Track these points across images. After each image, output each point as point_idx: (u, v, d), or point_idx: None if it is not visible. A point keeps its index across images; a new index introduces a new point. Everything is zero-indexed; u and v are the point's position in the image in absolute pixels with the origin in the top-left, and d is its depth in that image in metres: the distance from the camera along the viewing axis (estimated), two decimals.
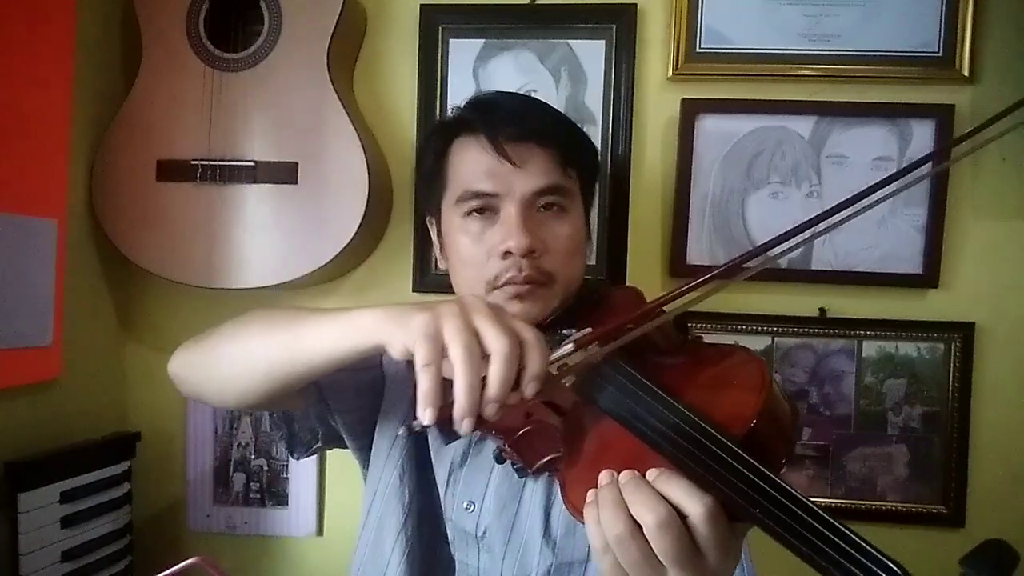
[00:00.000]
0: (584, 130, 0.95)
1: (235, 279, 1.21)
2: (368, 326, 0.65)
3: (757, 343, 1.27)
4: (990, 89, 1.23)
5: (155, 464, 1.36)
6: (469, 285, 0.85)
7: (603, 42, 1.27)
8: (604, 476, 0.58)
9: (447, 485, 0.86)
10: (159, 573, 0.63)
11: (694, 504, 0.53)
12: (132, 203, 1.23)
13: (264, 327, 0.77)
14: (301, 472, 1.35)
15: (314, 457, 1.32)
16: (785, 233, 0.64)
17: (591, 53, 1.28)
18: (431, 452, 0.89)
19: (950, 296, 1.25)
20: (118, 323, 1.38)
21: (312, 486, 1.36)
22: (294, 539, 1.37)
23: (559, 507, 0.81)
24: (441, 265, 0.94)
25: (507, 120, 0.83)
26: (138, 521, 1.29)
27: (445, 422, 0.57)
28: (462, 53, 1.30)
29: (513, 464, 0.75)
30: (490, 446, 0.79)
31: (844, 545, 0.48)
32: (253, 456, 1.36)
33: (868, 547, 0.48)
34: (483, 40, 1.30)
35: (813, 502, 0.51)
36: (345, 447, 0.96)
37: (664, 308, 0.67)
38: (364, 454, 0.95)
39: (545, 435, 0.71)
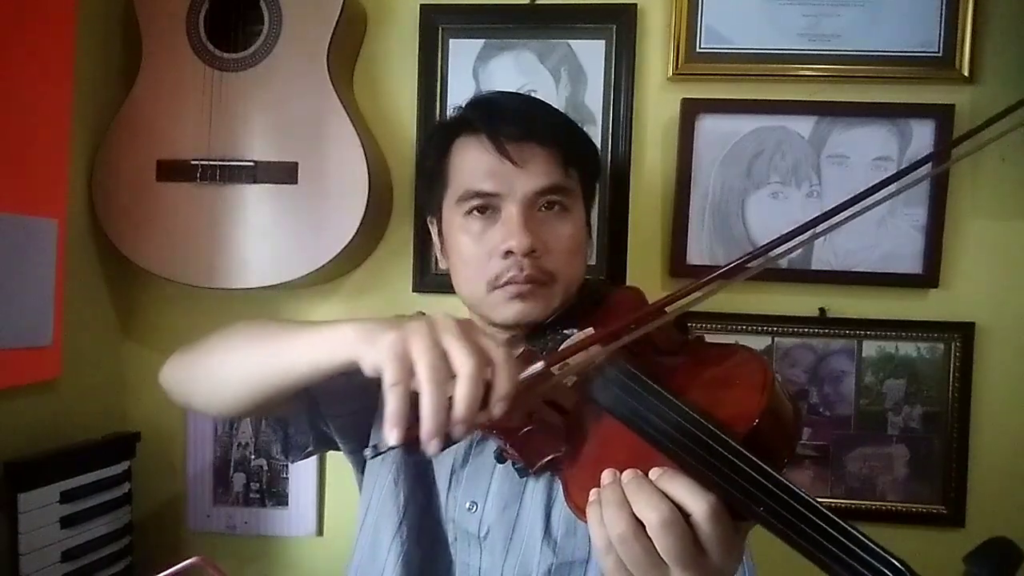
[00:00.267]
0: (584, 130, 0.95)
1: (235, 279, 1.21)
2: (340, 343, 0.66)
3: (757, 343, 1.27)
4: (990, 89, 1.23)
5: (155, 464, 1.36)
6: (470, 285, 0.85)
7: (603, 42, 1.27)
8: (607, 475, 0.58)
9: (449, 485, 0.86)
10: (159, 573, 0.63)
11: (697, 502, 0.53)
12: (132, 203, 1.23)
13: (246, 340, 0.78)
14: (301, 472, 1.35)
15: (314, 457, 1.32)
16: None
17: (591, 53, 1.28)
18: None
19: (950, 296, 1.25)
20: (118, 323, 1.37)
21: (312, 486, 1.36)
22: (294, 539, 1.37)
23: (560, 507, 0.81)
24: (442, 265, 0.94)
25: (508, 120, 0.83)
26: (138, 521, 1.29)
27: (413, 442, 0.57)
28: (462, 53, 1.30)
29: (514, 464, 0.75)
30: (491, 446, 0.79)
31: (847, 542, 0.48)
32: (253, 456, 1.36)
33: (871, 544, 0.48)
34: (483, 40, 1.30)
35: (816, 499, 0.51)
36: (339, 450, 0.96)
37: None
38: (358, 457, 0.95)
39: (547, 435, 0.71)
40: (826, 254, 1.25)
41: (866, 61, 1.23)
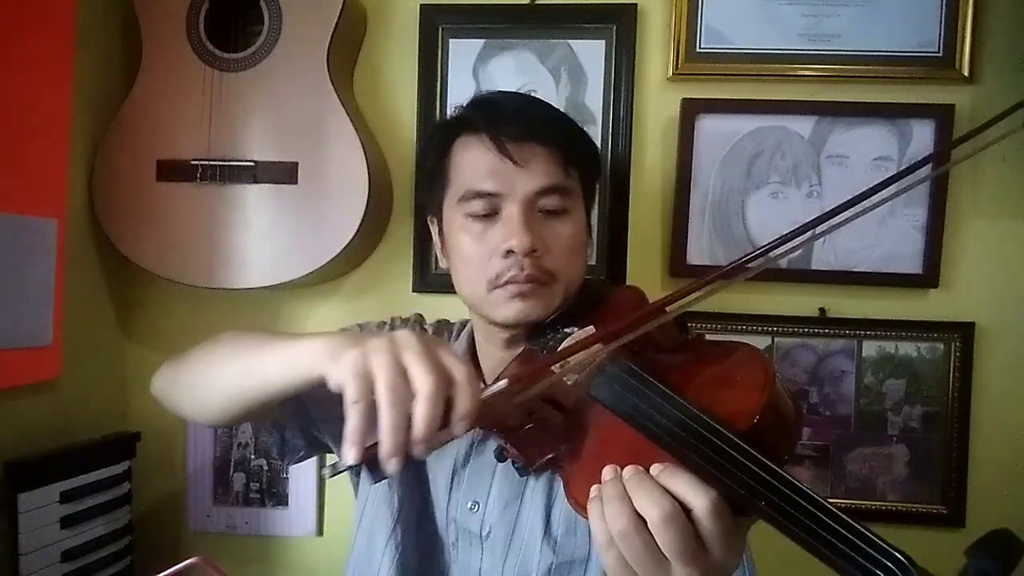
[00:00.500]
0: (585, 130, 0.95)
1: (235, 279, 1.21)
2: (308, 359, 0.66)
3: (757, 343, 1.27)
4: (990, 89, 1.23)
5: (155, 464, 1.36)
6: (471, 284, 0.85)
7: (603, 42, 1.27)
8: (607, 471, 0.58)
9: (450, 486, 0.86)
10: (159, 573, 0.63)
11: (698, 498, 0.53)
12: (132, 203, 1.23)
13: (226, 354, 0.79)
14: (301, 472, 1.35)
15: (314, 458, 1.32)
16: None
17: (591, 53, 1.28)
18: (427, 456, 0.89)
19: (950, 296, 1.25)
20: (118, 323, 1.37)
21: (312, 486, 1.36)
22: (294, 539, 1.37)
23: (559, 506, 0.81)
24: (442, 264, 0.94)
25: (510, 119, 0.83)
26: (138, 521, 1.29)
27: (372, 460, 0.56)
28: (462, 53, 1.30)
29: (514, 463, 0.75)
30: (492, 445, 0.79)
31: (850, 535, 0.48)
32: (253, 456, 1.36)
33: (875, 537, 0.48)
34: (483, 40, 1.30)
35: (817, 493, 0.51)
36: (333, 453, 0.96)
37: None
38: None
39: (547, 433, 0.72)
40: (826, 254, 1.25)
41: (866, 61, 1.23)
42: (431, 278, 1.31)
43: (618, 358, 0.66)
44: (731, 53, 1.25)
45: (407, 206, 1.33)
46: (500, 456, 0.76)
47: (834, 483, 1.27)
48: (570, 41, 1.28)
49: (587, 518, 0.58)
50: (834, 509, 0.50)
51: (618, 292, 0.88)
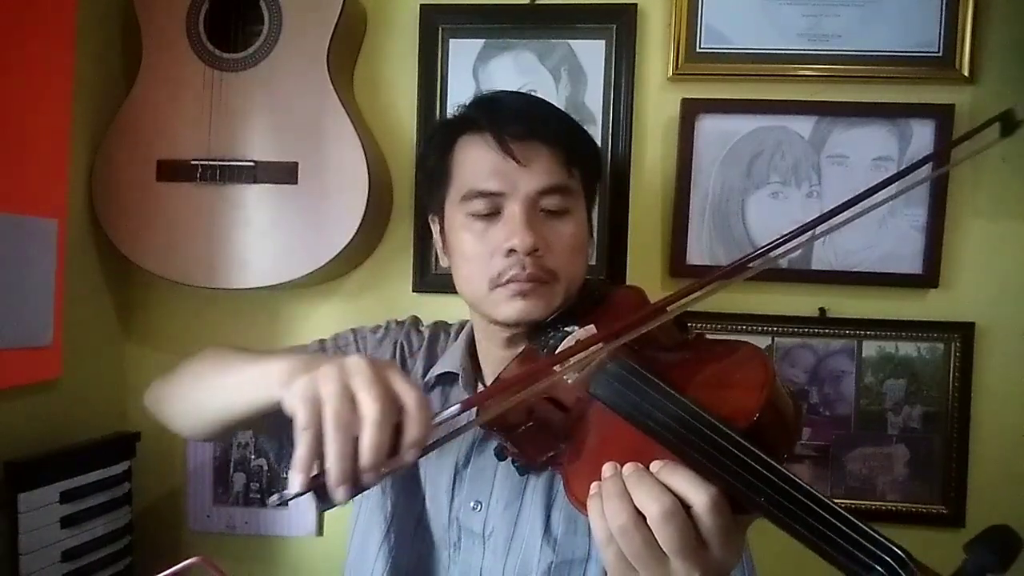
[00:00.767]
0: (586, 130, 0.95)
1: (235, 279, 1.21)
2: (267, 383, 0.66)
3: (757, 343, 1.25)
4: (990, 89, 1.23)
5: (155, 464, 1.36)
6: (472, 283, 0.85)
7: (603, 42, 1.27)
8: (607, 468, 0.58)
9: (452, 486, 0.86)
10: (159, 573, 0.63)
11: (698, 494, 0.53)
12: (132, 203, 1.22)
13: (203, 373, 0.81)
14: None
15: None
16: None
17: (591, 53, 1.28)
18: (424, 458, 0.89)
19: (950, 296, 1.25)
20: (118, 323, 1.37)
21: None
22: (294, 539, 1.37)
23: (560, 506, 0.81)
24: (443, 263, 0.94)
25: (513, 118, 0.83)
26: (138, 521, 1.29)
27: (320, 488, 0.56)
28: (462, 53, 1.30)
29: (514, 461, 0.75)
30: (493, 445, 0.79)
31: (849, 531, 0.49)
32: (253, 456, 1.36)
33: (873, 532, 0.49)
34: (483, 40, 1.30)
35: (816, 490, 0.51)
36: None
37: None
38: None
39: (547, 431, 0.72)
40: (826, 254, 1.25)
41: (866, 61, 1.23)
42: (431, 278, 1.31)
43: (618, 356, 0.66)
44: (731, 53, 1.25)
45: (407, 206, 1.33)
46: (500, 455, 0.76)
47: (834, 483, 1.27)
48: (570, 41, 1.28)
49: (587, 515, 0.58)
50: (832, 504, 0.50)
51: (619, 292, 0.88)
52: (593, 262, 1.25)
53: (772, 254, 0.66)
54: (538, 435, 0.72)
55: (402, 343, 1.00)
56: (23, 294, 1.07)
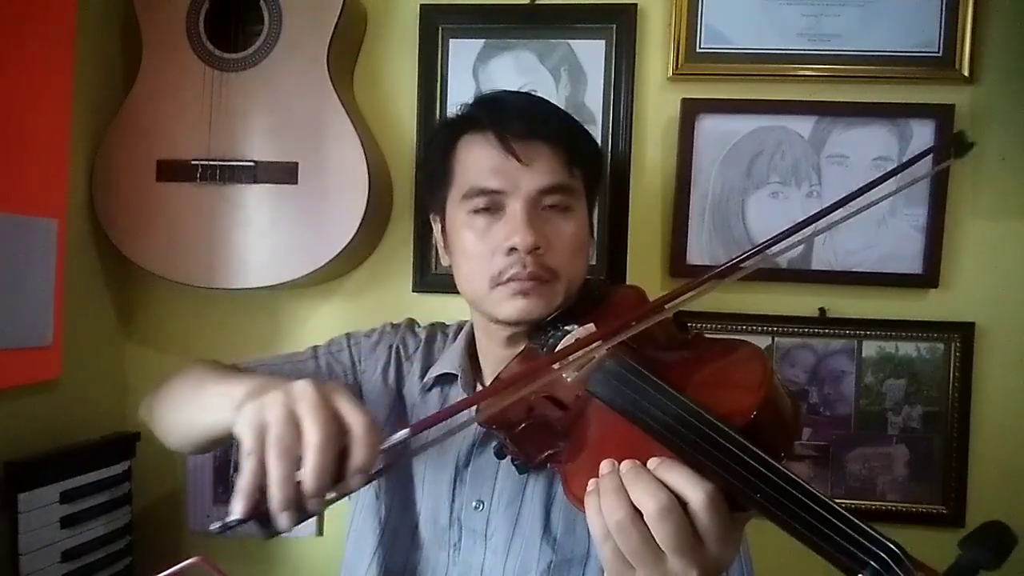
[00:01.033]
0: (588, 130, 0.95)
1: (235, 279, 1.21)
2: (225, 407, 0.67)
3: (757, 343, 1.25)
4: (990, 89, 1.23)
5: (155, 464, 1.36)
6: (473, 281, 0.85)
7: (603, 42, 1.27)
8: (605, 465, 0.58)
9: (454, 486, 0.86)
10: (159, 573, 0.63)
11: (695, 491, 0.53)
12: (132, 203, 1.23)
13: (184, 392, 0.83)
14: None
15: None
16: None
17: (591, 53, 1.28)
18: (420, 459, 0.89)
19: (950, 296, 1.25)
20: (118, 323, 1.37)
21: None
22: (294, 539, 1.37)
23: (559, 505, 0.82)
24: (444, 262, 0.94)
25: (515, 118, 0.83)
26: (138, 521, 1.29)
27: (263, 515, 0.56)
28: (462, 53, 1.30)
29: (513, 460, 0.75)
30: (492, 444, 0.79)
31: (845, 527, 0.49)
32: None
33: (868, 529, 0.49)
34: (483, 40, 1.30)
35: (812, 486, 0.51)
36: None
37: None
38: None
39: (546, 429, 0.72)
40: (826, 254, 1.25)
41: (866, 61, 1.23)
42: (431, 278, 1.31)
43: (617, 355, 0.66)
44: (731, 53, 1.25)
45: (407, 206, 1.33)
46: (500, 453, 0.76)
47: (834, 483, 1.26)
48: (570, 41, 1.28)
49: (584, 512, 0.58)
50: (829, 501, 0.50)
51: (619, 291, 0.88)
52: (593, 262, 1.25)
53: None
54: (537, 433, 0.72)
55: (398, 346, 1.00)
56: (23, 294, 1.07)
